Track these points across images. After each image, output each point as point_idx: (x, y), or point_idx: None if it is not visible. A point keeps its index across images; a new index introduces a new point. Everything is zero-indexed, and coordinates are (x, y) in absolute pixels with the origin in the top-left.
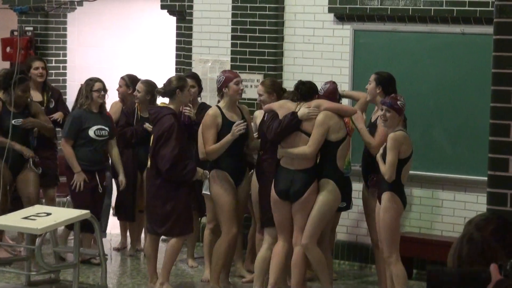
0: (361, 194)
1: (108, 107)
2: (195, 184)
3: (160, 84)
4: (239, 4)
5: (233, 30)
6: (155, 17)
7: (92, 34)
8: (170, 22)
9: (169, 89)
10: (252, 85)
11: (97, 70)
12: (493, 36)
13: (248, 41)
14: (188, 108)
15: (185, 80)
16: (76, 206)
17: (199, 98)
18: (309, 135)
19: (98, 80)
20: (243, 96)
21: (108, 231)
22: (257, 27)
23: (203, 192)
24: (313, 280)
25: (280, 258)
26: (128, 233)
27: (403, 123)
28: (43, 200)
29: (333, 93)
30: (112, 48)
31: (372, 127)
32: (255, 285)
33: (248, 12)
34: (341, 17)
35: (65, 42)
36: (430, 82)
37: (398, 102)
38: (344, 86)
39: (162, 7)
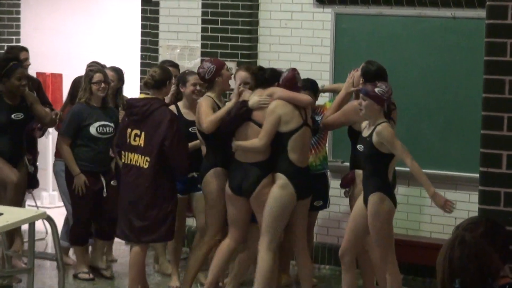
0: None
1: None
2: None
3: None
4: None
5: (203, 13)
6: None
7: (50, 18)
8: (135, 4)
9: (161, 80)
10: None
11: (55, 56)
12: (486, 20)
13: (220, 26)
14: None
15: (170, 72)
16: (77, 213)
17: None
18: (261, 125)
19: (98, 70)
20: None
21: None
22: (230, 10)
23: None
24: (290, 286)
25: (223, 256)
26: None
27: (389, 115)
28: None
29: (290, 81)
30: (71, 33)
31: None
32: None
33: None
34: None
35: (18, 26)
36: (417, 71)
37: (376, 89)
38: (324, 74)
39: None
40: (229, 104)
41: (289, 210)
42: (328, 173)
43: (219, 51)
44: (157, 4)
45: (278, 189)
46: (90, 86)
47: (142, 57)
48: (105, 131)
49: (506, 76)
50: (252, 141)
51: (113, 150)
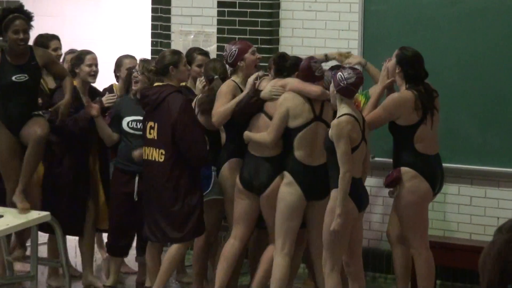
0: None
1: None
2: None
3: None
4: None
5: None
6: None
7: (51, 1)
8: None
9: (163, 65)
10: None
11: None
12: None
13: (237, 9)
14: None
15: (180, 54)
16: (112, 219)
17: None
18: (271, 118)
19: (128, 56)
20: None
21: None
22: None
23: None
24: None
25: (230, 259)
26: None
27: (432, 103)
28: None
29: (305, 71)
30: (75, 18)
31: None
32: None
33: None
34: None
35: None
36: (454, 57)
37: (338, 74)
38: None
39: None
40: (241, 95)
41: (298, 211)
42: None
43: (236, 36)
44: None
45: (283, 188)
46: (130, 77)
47: (152, 44)
48: (138, 126)
49: None
50: (262, 134)
51: None
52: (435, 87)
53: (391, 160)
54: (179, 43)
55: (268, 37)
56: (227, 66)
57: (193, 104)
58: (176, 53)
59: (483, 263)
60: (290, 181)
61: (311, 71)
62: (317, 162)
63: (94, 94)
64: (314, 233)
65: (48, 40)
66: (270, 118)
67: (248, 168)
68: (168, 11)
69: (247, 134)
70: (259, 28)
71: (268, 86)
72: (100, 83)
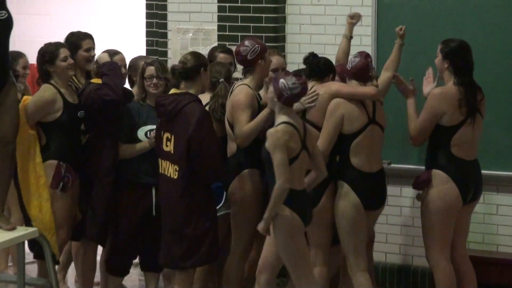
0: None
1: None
2: None
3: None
4: None
5: None
6: None
7: (41, 1)
8: None
9: (193, 68)
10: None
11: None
12: None
13: (239, 4)
14: None
15: (205, 57)
16: (117, 233)
17: None
18: (317, 127)
19: (152, 63)
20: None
21: None
22: None
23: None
24: None
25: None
26: None
27: (475, 106)
28: None
29: (362, 70)
30: (63, 16)
31: None
32: None
33: None
34: None
35: None
36: (475, 53)
37: (281, 80)
38: None
39: None
40: (265, 112)
41: (360, 222)
42: None
43: (239, 34)
44: None
45: (340, 201)
46: (143, 81)
47: (148, 43)
48: None
49: None
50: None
51: None
52: None
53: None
54: (177, 42)
55: (273, 34)
56: (240, 64)
57: None
58: (202, 55)
59: None
60: (346, 192)
61: (367, 71)
62: (375, 168)
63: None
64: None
65: (80, 39)
66: (316, 126)
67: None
68: (164, 7)
69: None
70: (263, 24)
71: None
72: None
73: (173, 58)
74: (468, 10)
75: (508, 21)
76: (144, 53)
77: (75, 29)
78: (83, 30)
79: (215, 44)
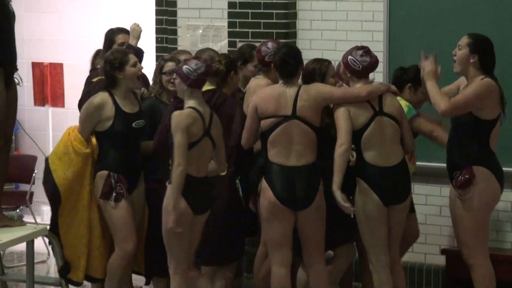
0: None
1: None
2: None
3: None
4: None
5: None
6: None
7: None
8: None
9: (225, 70)
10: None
11: (53, 43)
12: None
13: (250, 0)
14: None
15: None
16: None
17: None
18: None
19: (171, 58)
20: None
21: None
22: None
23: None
24: None
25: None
26: None
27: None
28: None
29: (374, 67)
30: (72, 14)
31: None
32: None
33: None
34: None
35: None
36: None
37: (184, 67)
38: (377, 56)
39: None
40: None
41: (379, 219)
42: None
43: (250, 30)
44: None
45: (359, 197)
46: (161, 77)
47: (157, 40)
48: None
49: None
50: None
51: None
52: None
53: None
54: (186, 38)
55: (284, 30)
56: (258, 61)
57: None
58: (230, 58)
59: None
60: (364, 188)
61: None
62: (390, 162)
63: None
64: (393, 239)
65: (113, 34)
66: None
67: (283, 180)
68: (174, 4)
69: None
70: (274, 20)
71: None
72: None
73: None
74: (482, 5)
75: None
76: (153, 51)
77: (83, 27)
78: (92, 28)
79: (226, 40)
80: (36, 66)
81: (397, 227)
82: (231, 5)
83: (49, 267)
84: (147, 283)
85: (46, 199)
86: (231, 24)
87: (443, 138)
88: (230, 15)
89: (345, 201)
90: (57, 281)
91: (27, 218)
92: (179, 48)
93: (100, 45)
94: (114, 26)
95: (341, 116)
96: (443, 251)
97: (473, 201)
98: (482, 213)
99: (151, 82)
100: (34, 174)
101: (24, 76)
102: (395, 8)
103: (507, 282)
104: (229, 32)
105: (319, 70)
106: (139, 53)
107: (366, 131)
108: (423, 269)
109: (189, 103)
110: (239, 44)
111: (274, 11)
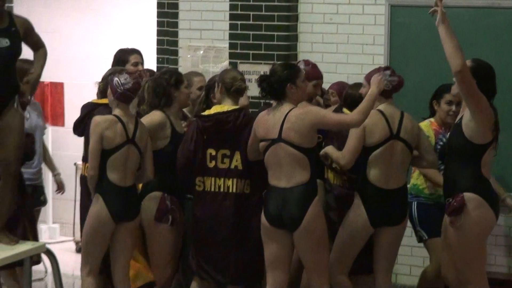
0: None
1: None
2: None
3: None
4: None
5: (231, 7)
6: None
7: (46, 17)
8: None
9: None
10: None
11: (54, 62)
12: None
13: (251, 22)
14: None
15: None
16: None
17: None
18: (294, 145)
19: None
20: None
21: None
22: (264, 3)
23: None
24: None
25: None
26: None
27: None
28: None
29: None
30: (73, 34)
31: (455, 129)
32: None
33: None
34: None
35: None
36: None
37: (115, 80)
38: None
39: None
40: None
41: (359, 237)
42: None
43: (250, 52)
44: None
45: (351, 211)
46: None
47: (158, 61)
48: None
49: None
50: (337, 154)
51: None
52: None
53: None
54: (187, 59)
55: (285, 53)
56: None
57: None
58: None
59: None
60: (357, 203)
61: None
62: (392, 185)
63: None
64: (378, 263)
65: (127, 54)
66: (291, 144)
67: (275, 201)
68: (176, 25)
69: (329, 150)
70: (275, 42)
71: None
72: None
73: None
74: (481, 29)
75: None
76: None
77: (84, 46)
78: (92, 48)
79: (226, 61)
80: None
81: (387, 248)
82: (232, 26)
83: (47, 285)
84: None
85: (44, 218)
86: (232, 46)
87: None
88: (232, 36)
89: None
90: None
91: None
92: (180, 68)
93: (100, 64)
94: (115, 46)
95: (354, 134)
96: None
97: (465, 229)
98: (475, 241)
99: None
100: None
101: None
102: (395, 32)
103: None
104: (230, 53)
105: (359, 94)
106: None
107: (376, 150)
108: None
109: (115, 111)
110: (240, 66)
111: (275, 33)
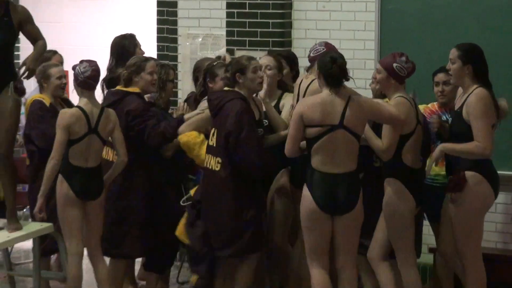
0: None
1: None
2: None
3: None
4: None
5: None
6: None
7: (50, 7)
8: None
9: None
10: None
11: (59, 52)
12: None
13: (247, 10)
14: None
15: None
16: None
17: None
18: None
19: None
20: None
21: None
22: None
23: None
24: None
25: None
26: None
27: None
28: None
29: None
30: (77, 24)
31: (456, 118)
32: None
33: None
34: None
35: None
36: None
37: (76, 68)
38: (369, 63)
39: None
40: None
41: (411, 219)
42: None
43: (247, 39)
44: None
45: (393, 197)
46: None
47: (158, 48)
48: None
49: None
50: (377, 142)
51: None
52: None
53: None
54: (187, 47)
55: (280, 39)
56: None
57: None
58: (238, 60)
59: None
60: (399, 188)
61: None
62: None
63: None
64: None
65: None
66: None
67: (327, 186)
68: (175, 14)
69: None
70: (270, 29)
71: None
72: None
73: (183, 63)
74: (471, 15)
75: (504, 26)
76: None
77: (87, 36)
78: (95, 37)
79: (224, 48)
80: None
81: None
82: (229, 14)
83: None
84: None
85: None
86: (229, 33)
87: None
88: (229, 24)
89: None
90: (62, 276)
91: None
92: (179, 56)
93: (103, 54)
94: (117, 35)
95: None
96: (430, 250)
97: (464, 206)
98: (474, 217)
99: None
100: None
101: (30, 83)
102: (386, 19)
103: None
104: (227, 41)
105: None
106: None
107: (410, 138)
108: None
109: (79, 101)
110: (237, 52)
111: (270, 21)
